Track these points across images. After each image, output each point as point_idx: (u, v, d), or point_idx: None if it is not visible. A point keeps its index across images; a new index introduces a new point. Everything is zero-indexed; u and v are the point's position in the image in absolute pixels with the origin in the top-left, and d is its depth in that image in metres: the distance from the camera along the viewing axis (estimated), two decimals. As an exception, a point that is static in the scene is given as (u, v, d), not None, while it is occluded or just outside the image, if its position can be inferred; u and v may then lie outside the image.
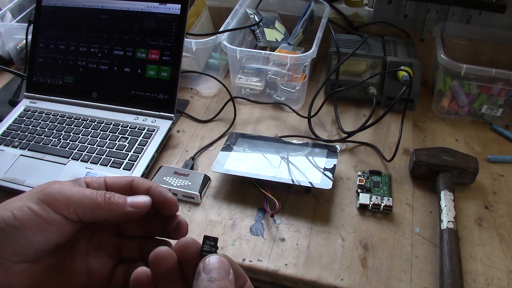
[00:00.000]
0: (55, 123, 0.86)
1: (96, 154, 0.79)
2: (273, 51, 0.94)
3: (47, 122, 0.87)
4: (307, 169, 0.75)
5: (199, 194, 0.73)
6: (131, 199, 0.37)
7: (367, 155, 0.84)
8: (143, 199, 0.37)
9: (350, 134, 0.86)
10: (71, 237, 0.36)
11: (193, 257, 0.33)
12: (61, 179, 0.75)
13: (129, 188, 0.39)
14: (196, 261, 0.33)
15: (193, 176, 0.76)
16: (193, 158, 0.82)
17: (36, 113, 0.89)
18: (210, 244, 0.33)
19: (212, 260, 0.32)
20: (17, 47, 1.07)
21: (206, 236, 0.33)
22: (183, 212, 0.73)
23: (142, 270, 0.33)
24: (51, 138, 0.83)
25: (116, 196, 0.37)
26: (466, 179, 0.76)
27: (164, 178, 0.75)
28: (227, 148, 0.81)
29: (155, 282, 0.33)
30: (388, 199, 0.72)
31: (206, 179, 0.76)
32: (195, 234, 0.69)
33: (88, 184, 0.39)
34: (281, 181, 0.73)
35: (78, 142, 0.82)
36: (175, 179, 0.75)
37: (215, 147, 0.86)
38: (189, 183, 0.74)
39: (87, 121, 0.86)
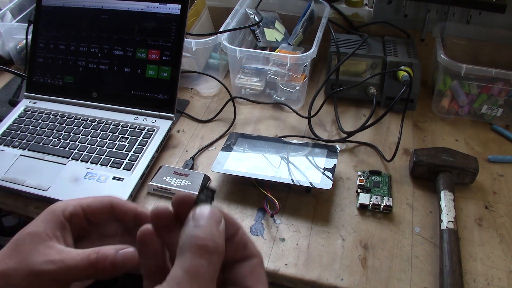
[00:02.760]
0: (55, 123, 0.86)
1: (96, 154, 0.79)
2: (273, 51, 0.94)
3: (47, 122, 0.87)
4: (307, 169, 0.75)
5: (197, 195, 0.73)
6: (121, 259, 0.36)
7: (367, 155, 0.84)
8: (132, 255, 0.36)
9: (350, 134, 0.86)
10: None
11: (189, 209, 0.32)
12: (61, 179, 0.75)
13: (110, 211, 0.38)
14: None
15: (193, 176, 0.76)
16: (193, 158, 0.82)
17: (36, 113, 0.89)
18: (207, 194, 0.32)
19: (203, 209, 0.31)
20: (17, 47, 1.07)
21: (205, 186, 0.32)
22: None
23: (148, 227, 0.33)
24: (51, 138, 0.83)
25: (106, 263, 0.35)
26: (466, 179, 0.76)
27: (164, 178, 0.75)
28: (227, 148, 0.81)
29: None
30: (388, 199, 0.72)
31: (206, 179, 0.76)
32: (195, 234, 0.69)
33: (67, 219, 0.37)
34: (281, 181, 0.73)
35: (78, 142, 0.82)
36: (175, 179, 0.75)
37: (215, 147, 0.86)
38: (189, 183, 0.74)
39: (87, 121, 0.86)
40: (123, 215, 0.38)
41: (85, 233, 0.38)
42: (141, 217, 0.38)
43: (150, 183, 0.75)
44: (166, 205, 0.33)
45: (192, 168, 0.80)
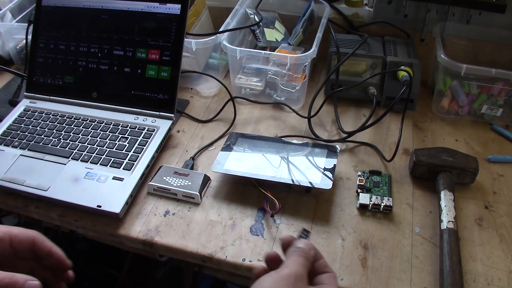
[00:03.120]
0: (55, 123, 0.86)
1: (96, 154, 0.79)
2: (273, 51, 0.94)
3: (47, 122, 0.87)
4: (307, 169, 0.75)
5: (199, 194, 0.73)
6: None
7: (367, 155, 0.84)
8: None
9: (350, 134, 0.86)
10: None
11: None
12: (61, 179, 0.75)
13: (32, 243, 0.51)
14: None
15: (193, 176, 0.76)
16: (193, 158, 0.82)
17: (36, 113, 0.89)
18: (305, 233, 0.50)
19: (302, 240, 0.48)
20: (17, 47, 1.07)
21: (304, 229, 0.51)
22: (183, 212, 0.73)
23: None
24: (51, 138, 0.83)
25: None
26: (466, 179, 0.76)
27: (164, 178, 0.75)
28: (227, 148, 0.81)
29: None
30: (388, 199, 0.72)
31: (206, 179, 0.76)
32: (195, 234, 0.69)
33: None
34: (281, 181, 0.73)
35: (78, 142, 0.82)
36: (175, 179, 0.75)
37: (215, 147, 0.86)
38: (189, 183, 0.74)
39: (87, 121, 0.86)
40: (41, 249, 0.51)
41: (6, 255, 0.50)
42: (54, 254, 0.52)
43: (150, 183, 0.75)
44: (274, 250, 0.48)
45: (192, 168, 0.80)
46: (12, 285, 0.44)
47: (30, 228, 0.56)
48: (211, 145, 0.86)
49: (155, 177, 0.76)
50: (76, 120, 0.87)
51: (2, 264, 0.49)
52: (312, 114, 0.89)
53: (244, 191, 0.76)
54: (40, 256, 0.52)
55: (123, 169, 0.77)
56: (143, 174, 0.77)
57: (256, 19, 1.01)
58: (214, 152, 0.84)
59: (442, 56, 0.87)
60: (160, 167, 0.78)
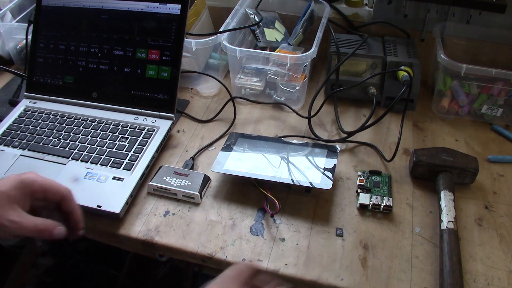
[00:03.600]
0: (55, 123, 0.86)
1: (96, 154, 0.79)
2: (273, 51, 0.94)
3: (47, 122, 0.87)
4: (307, 169, 0.75)
5: (199, 194, 0.73)
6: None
7: (367, 155, 0.84)
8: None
9: (350, 134, 0.86)
10: None
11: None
12: (61, 179, 0.75)
13: (60, 198, 0.58)
14: None
15: (193, 176, 0.76)
16: (193, 158, 0.82)
17: (36, 113, 0.89)
18: None
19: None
20: (17, 47, 1.07)
21: None
22: (183, 212, 0.73)
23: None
24: (51, 138, 0.83)
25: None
26: (466, 179, 0.76)
27: (164, 178, 0.75)
28: (227, 148, 0.81)
29: None
30: (388, 199, 0.72)
31: (206, 179, 0.76)
32: (195, 234, 0.69)
33: (32, 192, 0.56)
34: (281, 181, 0.73)
35: (78, 142, 0.82)
36: (175, 179, 0.75)
37: (215, 147, 0.86)
38: (189, 183, 0.74)
39: (87, 121, 0.86)
40: (66, 207, 0.58)
41: (36, 202, 0.57)
42: (74, 215, 0.59)
43: (150, 183, 0.75)
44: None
45: (192, 168, 0.80)
46: (45, 229, 0.54)
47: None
48: (211, 145, 0.86)
49: (155, 177, 0.76)
50: (76, 120, 0.87)
51: (35, 211, 0.57)
52: (312, 114, 0.89)
53: (244, 191, 0.76)
54: (62, 211, 0.59)
55: (123, 169, 0.77)
56: (143, 174, 0.76)
57: (256, 19, 1.01)
58: (214, 152, 0.84)
59: (442, 56, 0.87)
60: (160, 167, 0.78)
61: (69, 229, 0.58)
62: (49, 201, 0.58)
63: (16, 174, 0.56)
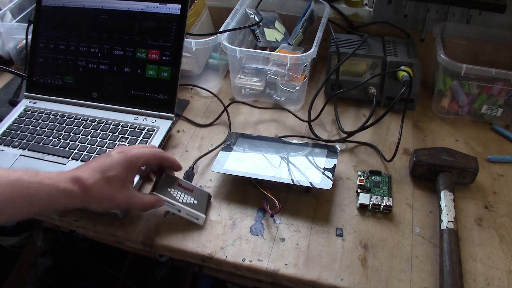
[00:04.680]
0: (55, 123, 0.86)
1: (96, 154, 0.79)
2: (273, 51, 0.94)
3: (47, 122, 0.87)
4: (307, 169, 0.75)
5: (204, 217, 0.70)
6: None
7: (367, 155, 0.84)
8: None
9: (350, 134, 0.86)
10: None
11: None
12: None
13: (160, 161, 0.69)
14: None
15: (198, 193, 0.72)
16: (192, 168, 0.79)
17: (36, 113, 0.89)
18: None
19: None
20: (17, 47, 1.07)
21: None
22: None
23: None
24: (51, 138, 0.83)
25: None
26: (466, 179, 0.76)
27: (169, 189, 0.69)
28: (227, 148, 0.81)
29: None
30: (388, 199, 0.72)
31: (209, 198, 0.74)
32: (195, 234, 0.69)
33: (139, 169, 0.68)
34: (281, 181, 0.73)
35: (78, 142, 0.82)
36: (179, 193, 0.70)
37: (215, 147, 0.86)
38: (195, 201, 0.70)
39: (87, 121, 0.86)
40: (164, 164, 0.70)
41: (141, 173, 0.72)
42: (174, 165, 0.71)
43: (155, 193, 0.68)
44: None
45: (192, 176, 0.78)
46: (149, 204, 0.65)
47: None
48: (208, 153, 0.83)
49: (159, 187, 0.69)
50: (76, 120, 0.87)
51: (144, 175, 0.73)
52: (312, 116, 0.89)
53: (244, 191, 0.76)
54: (163, 168, 0.71)
55: (123, 169, 0.76)
56: (143, 174, 0.76)
57: (256, 19, 1.01)
58: (214, 152, 0.84)
59: (442, 56, 0.87)
60: (162, 174, 0.71)
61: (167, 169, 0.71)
62: (151, 166, 0.71)
63: (119, 153, 0.63)
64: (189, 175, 0.78)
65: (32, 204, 0.55)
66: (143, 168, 0.71)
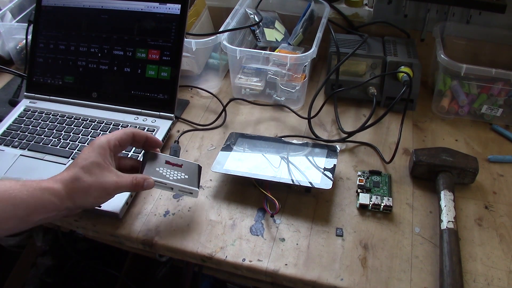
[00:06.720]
0: (55, 123, 0.86)
1: (96, 154, 0.79)
2: (273, 51, 0.94)
3: (47, 122, 0.87)
4: (307, 169, 0.75)
5: (198, 190, 0.69)
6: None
7: (367, 155, 0.84)
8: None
9: (350, 134, 0.86)
10: None
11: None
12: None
13: (132, 139, 0.66)
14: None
15: (187, 167, 0.70)
16: (177, 142, 0.78)
17: (36, 113, 0.89)
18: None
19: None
20: (17, 47, 1.07)
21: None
22: (183, 212, 0.73)
23: None
24: (51, 138, 0.83)
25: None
26: (466, 179, 0.76)
27: (157, 169, 0.67)
28: (227, 148, 0.81)
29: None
30: (388, 199, 0.72)
31: (200, 170, 0.72)
32: (195, 234, 0.69)
33: (111, 150, 0.63)
34: (281, 181, 0.73)
35: (78, 142, 0.82)
36: (168, 170, 0.68)
37: (215, 147, 0.86)
38: (186, 176, 0.68)
39: (87, 121, 0.86)
40: (139, 141, 0.67)
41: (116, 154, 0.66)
42: (149, 140, 0.68)
43: (143, 175, 0.65)
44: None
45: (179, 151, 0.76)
46: (137, 183, 0.63)
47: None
48: (198, 126, 0.82)
49: (146, 168, 0.66)
50: (76, 120, 0.87)
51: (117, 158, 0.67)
52: (312, 114, 0.89)
53: (244, 191, 0.76)
54: (138, 145, 0.68)
55: (123, 169, 0.76)
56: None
57: (256, 19, 1.01)
58: (214, 152, 0.84)
59: (442, 56, 0.87)
60: (145, 153, 0.69)
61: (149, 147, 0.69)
62: (126, 146, 0.66)
63: (89, 145, 0.62)
64: (176, 150, 0.76)
65: (16, 206, 0.54)
66: (123, 151, 0.70)
